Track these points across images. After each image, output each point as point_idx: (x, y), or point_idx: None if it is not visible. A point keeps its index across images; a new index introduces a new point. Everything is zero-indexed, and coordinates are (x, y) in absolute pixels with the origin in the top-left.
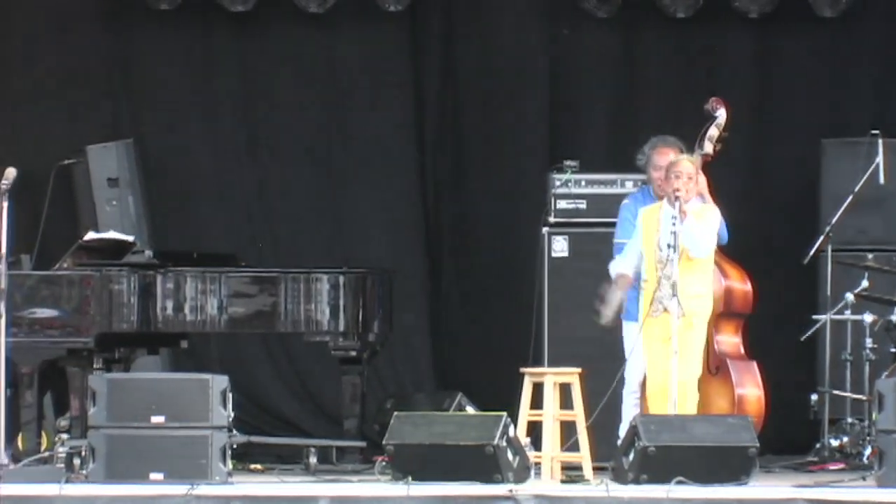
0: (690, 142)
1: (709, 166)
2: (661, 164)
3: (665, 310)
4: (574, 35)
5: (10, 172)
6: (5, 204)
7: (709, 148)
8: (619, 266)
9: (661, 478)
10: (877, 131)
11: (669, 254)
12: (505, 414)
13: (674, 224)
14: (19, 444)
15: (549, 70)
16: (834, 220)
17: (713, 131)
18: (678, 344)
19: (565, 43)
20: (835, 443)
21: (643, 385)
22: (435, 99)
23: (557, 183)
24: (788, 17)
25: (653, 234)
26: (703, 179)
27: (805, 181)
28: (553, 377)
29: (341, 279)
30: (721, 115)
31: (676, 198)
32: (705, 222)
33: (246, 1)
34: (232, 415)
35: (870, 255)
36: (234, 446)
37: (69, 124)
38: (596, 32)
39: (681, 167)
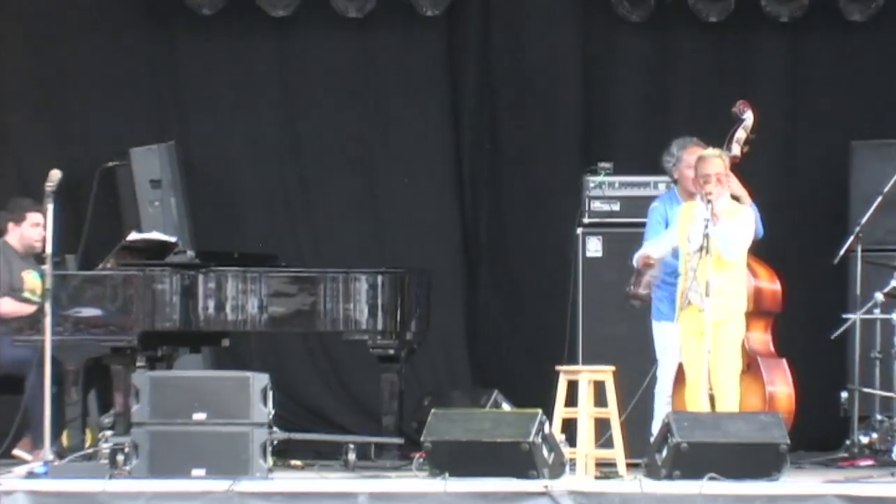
0: (719, 144)
1: (739, 167)
2: (693, 163)
3: (690, 303)
4: (608, 38)
5: (55, 174)
6: (51, 205)
7: (736, 150)
8: (644, 250)
9: (693, 474)
10: None
11: (702, 254)
12: (540, 411)
13: (706, 227)
14: (64, 440)
15: (584, 73)
16: (863, 221)
17: (740, 133)
18: (714, 341)
19: (599, 46)
20: (864, 439)
21: (676, 382)
22: (471, 102)
23: (592, 185)
24: (818, 21)
25: (685, 229)
26: (735, 180)
27: (835, 182)
28: (587, 375)
29: (380, 279)
30: (748, 117)
31: (709, 201)
32: (737, 224)
33: (287, 6)
34: (272, 412)
35: None
36: (275, 443)
37: (113, 127)
38: (629, 36)
39: (709, 167)
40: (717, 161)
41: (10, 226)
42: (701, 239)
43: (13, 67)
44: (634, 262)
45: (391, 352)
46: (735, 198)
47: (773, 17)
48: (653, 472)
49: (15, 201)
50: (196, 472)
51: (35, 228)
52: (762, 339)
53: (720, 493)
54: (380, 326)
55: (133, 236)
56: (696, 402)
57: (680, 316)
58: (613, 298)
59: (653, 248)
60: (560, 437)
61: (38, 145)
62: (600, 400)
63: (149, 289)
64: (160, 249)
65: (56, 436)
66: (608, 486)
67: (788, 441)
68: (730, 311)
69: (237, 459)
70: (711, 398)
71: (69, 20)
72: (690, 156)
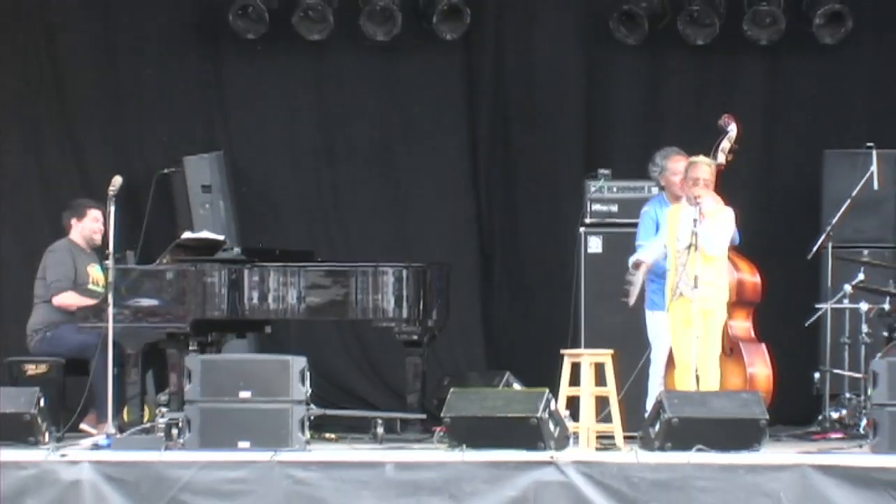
0: (705, 154)
1: (723, 174)
2: (678, 170)
3: (681, 294)
4: (607, 59)
5: (117, 180)
6: (112, 207)
7: (721, 159)
8: (637, 255)
9: (683, 446)
10: (871, 144)
11: (690, 251)
12: (547, 390)
13: (694, 224)
14: (125, 416)
15: (586, 90)
16: (834, 221)
17: (725, 144)
18: (700, 329)
19: (600, 66)
20: (835, 415)
21: (667, 364)
22: (486, 115)
23: (593, 188)
24: (794, 44)
25: (674, 229)
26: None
27: (809, 187)
28: (589, 358)
29: (405, 272)
30: (732, 129)
31: (697, 203)
32: (720, 223)
33: (321, 31)
34: (309, 391)
35: (865, 252)
36: (311, 418)
37: (169, 138)
38: (626, 57)
39: (698, 172)
40: (705, 167)
41: (73, 222)
42: (689, 236)
43: (80, 83)
44: (630, 267)
45: (415, 337)
46: None
47: (753, 40)
48: (647, 444)
49: (75, 201)
50: (241, 444)
51: (95, 223)
52: (744, 326)
53: (707, 462)
54: (405, 315)
55: (186, 235)
56: (685, 382)
57: (670, 307)
58: (612, 290)
59: (646, 253)
60: (565, 412)
61: (100, 154)
62: (600, 380)
63: (200, 282)
64: (210, 247)
65: (118, 412)
66: (607, 456)
67: (767, 416)
68: (715, 301)
69: (278, 433)
70: (696, 378)
71: (131, 42)
72: (675, 164)
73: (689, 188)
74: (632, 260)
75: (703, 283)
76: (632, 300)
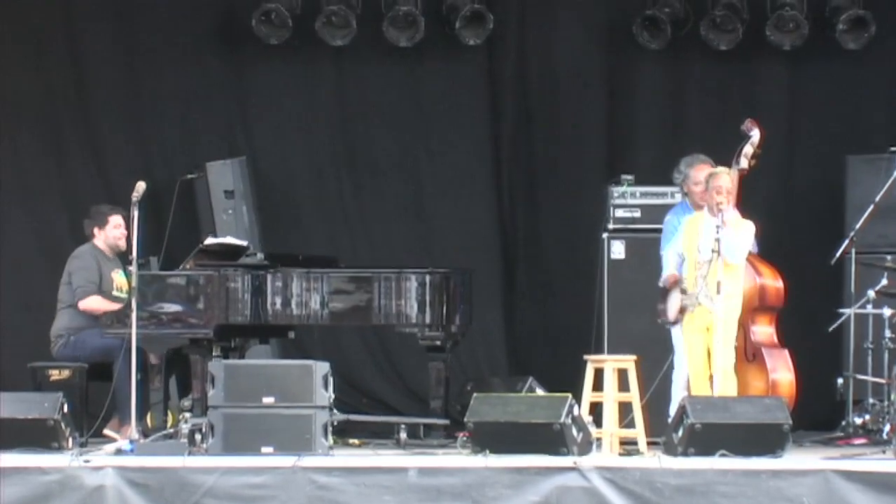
0: (729, 159)
1: (746, 179)
2: (700, 179)
3: (699, 304)
4: (630, 65)
5: (141, 186)
6: (136, 213)
7: (744, 164)
8: (665, 273)
9: (706, 451)
10: (894, 149)
11: (713, 258)
12: (570, 395)
13: (717, 232)
14: (149, 421)
15: (609, 96)
16: (857, 226)
17: (748, 149)
18: (717, 335)
19: (622, 72)
20: (858, 420)
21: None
22: (508, 121)
23: (615, 194)
24: (817, 49)
25: (693, 240)
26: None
27: (832, 192)
28: (612, 363)
29: (428, 278)
30: (755, 134)
31: (720, 210)
32: (741, 232)
33: (344, 36)
34: (332, 396)
35: (888, 257)
36: (335, 423)
37: (191, 143)
38: (648, 62)
39: (720, 181)
40: (725, 176)
41: (96, 230)
42: (712, 243)
43: (102, 88)
44: (662, 284)
45: (438, 343)
46: None
47: (776, 45)
48: (670, 450)
49: (96, 208)
50: (265, 449)
51: (117, 229)
52: (766, 331)
53: (730, 467)
54: (428, 320)
55: (209, 240)
56: (701, 390)
57: (686, 317)
58: (635, 296)
59: (671, 266)
60: (588, 418)
61: (123, 159)
62: (623, 385)
63: (223, 287)
64: (233, 252)
65: (141, 417)
66: (630, 461)
67: (790, 422)
68: (731, 311)
69: (301, 438)
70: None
71: (153, 47)
72: (697, 172)
73: (711, 198)
74: (662, 281)
75: (724, 292)
76: (671, 315)
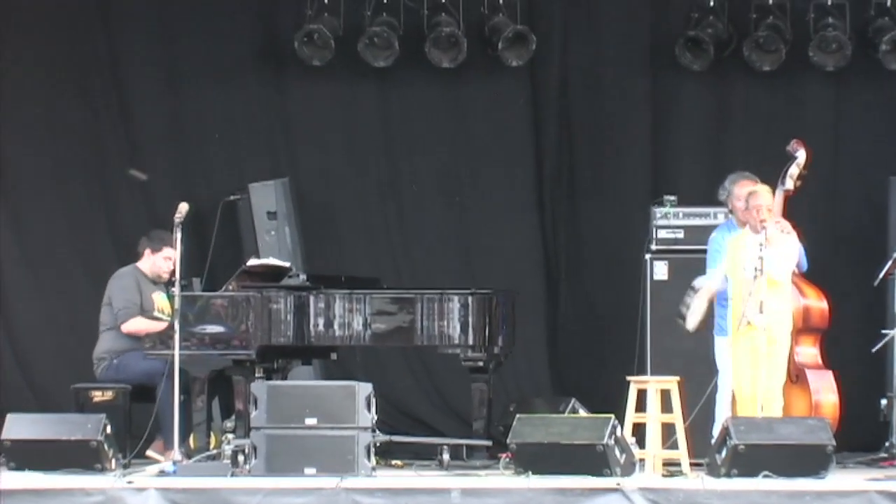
0: (774, 179)
1: (791, 200)
2: (742, 196)
3: (749, 323)
4: (673, 86)
5: (184, 207)
6: (179, 234)
7: (790, 184)
8: (702, 280)
9: (749, 472)
10: None
11: (757, 275)
12: (613, 416)
13: (760, 249)
14: (192, 442)
15: (652, 116)
16: None
17: (794, 170)
18: (766, 355)
19: (665, 92)
20: None
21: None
22: (551, 141)
23: (658, 215)
24: (860, 70)
25: (738, 258)
26: (787, 224)
27: (876, 213)
28: (655, 384)
29: (470, 299)
30: (801, 155)
31: (763, 227)
32: (784, 249)
33: (387, 58)
34: (375, 417)
35: None
36: (378, 444)
37: (234, 165)
38: (692, 84)
39: (760, 199)
40: (766, 194)
41: (147, 252)
42: (756, 261)
43: (145, 110)
44: (696, 286)
45: (480, 364)
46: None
47: (819, 66)
48: (713, 471)
49: (157, 233)
50: (308, 470)
51: (166, 262)
52: (810, 352)
53: (773, 489)
54: (470, 341)
55: (252, 262)
56: (746, 410)
57: (734, 337)
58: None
59: (709, 281)
60: (631, 439)
61: (166, 181)
62: (666, 406)
63: (266, 308)
64: (276, 273)
65: (184, 438)
66: (674, 483)
67: (834, 443)
68: (779, 330)
69: (344, 459)
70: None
71: (196, 69)
72: (740, 189)
73: (751, 216)
74: (698, 283)
75: (768, 310)
76: (689, 324)
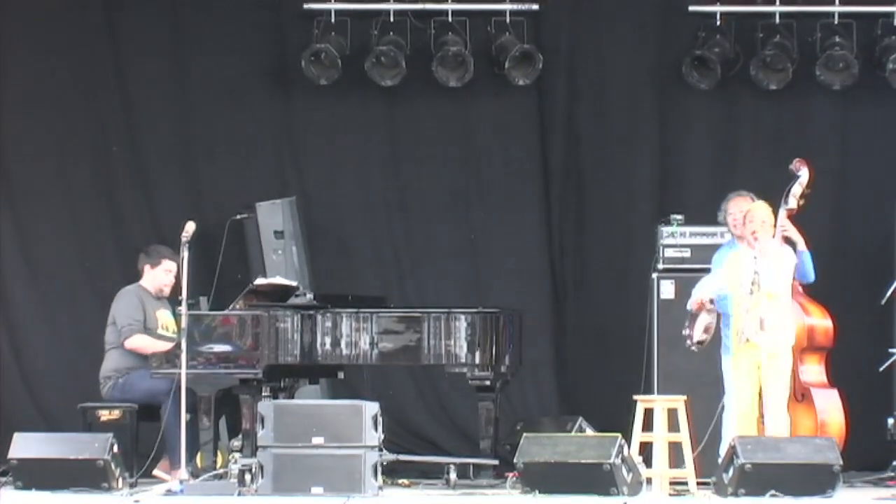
0: (777, 198)
1: (794, 219)
2: (734, 211)
3: (748, 340)
4: (679, 104)
5: (190, 226)
6: (186, 253)
7: (793, 203)
8: (694, 294)
9: (756, 491)
10: None
11: (753, 290)
12: (620, 435)
13: (755, 262)
14: (198, 461)
15: (659, 135)
16: None
17: (797, 189)
18: (767, 371)
19: (672, 111)
20: None
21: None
22: (558, 161)
23: (665, 234)
24: (867, 88)
25: (736, 274)
26: (793, 228)
27: (881, 232)
28: (662, 403)
29: (477, 318)
30: (804, 174)
31: (755, 239)
32: (781, 260)
33: (394, 76)
34: (382, 436)
35: None
36: (384, 463)
37: (241, 184)
38: (698, 102)
39: (754, 212)
40: (761, 208)
41: (147, 268)
42: (751, 275)
43: (153, 128)
44: (689, 307)
45: (487, 383)
46: (792, 243)
47: (826, 85)
48: (720, 490)
49: (154, 248)
50: (315, 489)
51: (167, 275)
52: (816, 371)
53: None
54: (477, 360)
55: (259, 281)
56: (749, 430)
57: (735, 353)
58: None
59: (701, 290)
60: (638, 458)
61: (173, 199)
62: (673, 425)
63: (273, 327)
64: (283, 292)
65: (191, 457)
66: (681, 502)
67: (841, 462)
68: (781, 345)
69: (351, 478)
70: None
71: (203, 87)
72: (734, 206)
73: (747, 230)
74: (690, 301)
75: (769, 325)
76: (696, 337)
